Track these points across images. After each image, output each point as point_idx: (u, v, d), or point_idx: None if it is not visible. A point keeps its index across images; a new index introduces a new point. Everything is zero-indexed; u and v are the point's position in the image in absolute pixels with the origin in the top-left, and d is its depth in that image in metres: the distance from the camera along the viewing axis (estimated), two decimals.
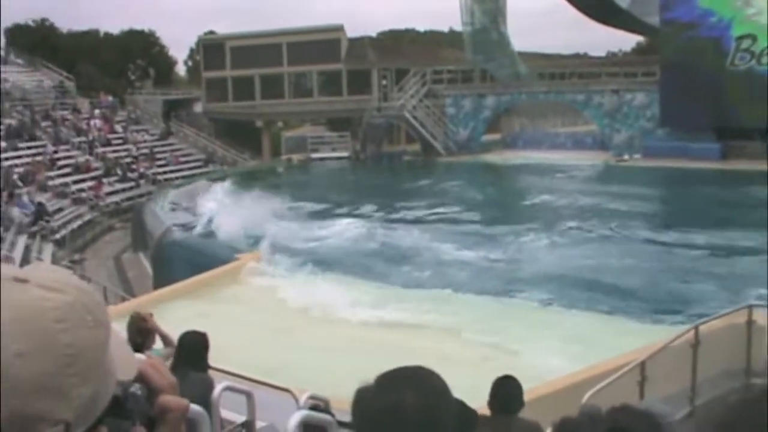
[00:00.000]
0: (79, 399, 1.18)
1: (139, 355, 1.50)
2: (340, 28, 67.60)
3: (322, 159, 61.32)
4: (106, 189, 47.91)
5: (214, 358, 7.69)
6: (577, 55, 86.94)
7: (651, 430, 3.42)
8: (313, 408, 7.37)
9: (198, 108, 73.59)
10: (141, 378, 1.39)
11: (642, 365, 12.01)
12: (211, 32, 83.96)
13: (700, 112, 49.22)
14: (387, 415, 2.08)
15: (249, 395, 7.74)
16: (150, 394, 1.39)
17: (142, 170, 53.06)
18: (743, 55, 49.25)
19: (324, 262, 26.19)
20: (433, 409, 2.09)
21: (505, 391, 6.36)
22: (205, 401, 6.29)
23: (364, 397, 2.15)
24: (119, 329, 1.53)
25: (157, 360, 1.48)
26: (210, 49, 72.94)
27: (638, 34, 71.31)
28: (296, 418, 5.74)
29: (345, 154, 62.45)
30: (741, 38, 49.23)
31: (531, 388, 11.26)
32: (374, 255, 27.69)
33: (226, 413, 7.73)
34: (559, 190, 42.71)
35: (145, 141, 58.89)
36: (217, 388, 6.95)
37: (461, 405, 3.92)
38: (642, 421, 3.65)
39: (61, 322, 1.18)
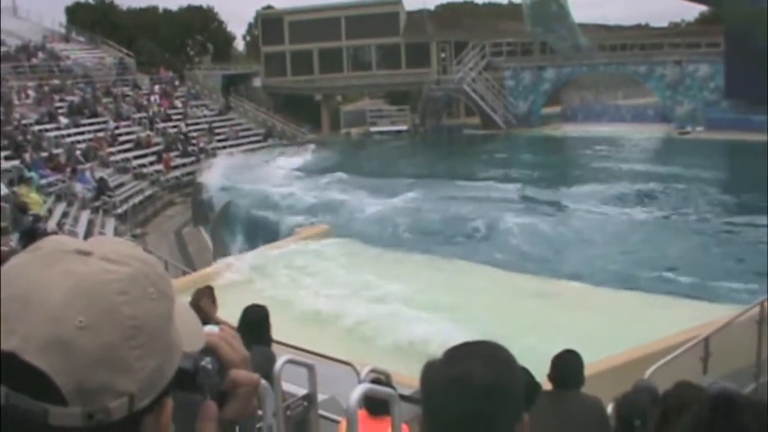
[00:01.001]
0: (142, 371, 1.18)
1: (212, 327, 1.50)
2: (398, 2, 67.37)
3: (381, 132, 61.29)
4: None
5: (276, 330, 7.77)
6: (638, 26, 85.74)
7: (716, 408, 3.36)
8: (375, 381, 7.37)
9: (257, 83, 73.87)
10: (212, 351, 1.39)
11: (706, 341, 11.87)
12: (269, 7, 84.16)
13: (765, 83, 48.28)
14: (455, 385, 2.09)
15: (310, 368, 7.76)
16: (221, 368, 1.38)
17: (201, 145, 53.39)
18: None
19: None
20: (500, 380, 2.10)
21: (567, 365, 6.31)
22: (268, 375, 6.32)
23: (432, 369, 2.17)
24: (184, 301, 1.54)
25: (230, 333, 1.47)
26: (268, 23, 73.14)
27: (702, 3, 70.13)
28: (358, 391, 5.72)
29: (404, 127, 62.43)
30: None
31: (591, 363, 11.20)
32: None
33: (288, 386, 7.78)
34: (620, 164, 42.34)
35: (204, 116, 59.24)
36: (279, 362, 6.99)
37: (527, 375, 3.91)
38: (703, 398, 3.58)
39: (123, 294, 1.18)
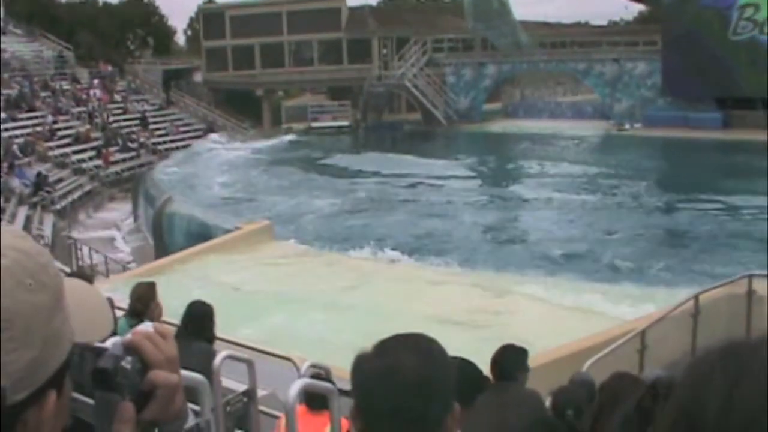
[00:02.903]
0: (14, 364, 1.15)
1: (146, 325, 1.49)
2: None
3: (322, 128, 61.20)
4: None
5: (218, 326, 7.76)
6: (578, 24, 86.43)
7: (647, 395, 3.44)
8: (314, 376, 7.38)
9: (198, 77, 73.44)
10: (135, 351, 1.38)
11: (642, 334, 12.06)
12: (211, 1, 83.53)
13: (701, 81, 49.16)
14: (385, 377, 2.12)
15: (250, 364, 7.76)
16: (143, 368, 1.37)
17: (142, 140, 52.96)
18: (745, 25, 49.14)
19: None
20: (430, 372, 2.13)
21: (507, 358, 6.38)
22: (207, 370, 6.32)
23: (363, 362, 2.20)
24: (99, 290, 1.46)
25: (163, 331, 1.46)
26: (210, 18, 72.70)
27: (640, 3, 70.94)
28: (297, 386, 5.74)
29: (345, 123, 62.36)
30: (743, 7, 49.13)
31: (530, 357, 11.31)
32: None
33: (227, 382, 7.77)
34: (559, 159, 42.78)
35: (145, 110, 58.71)
36: (218, 357, 6.98)
37: (466, 364, 3.95)
38: (639, 388, 3.67)
39: None
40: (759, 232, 24.10)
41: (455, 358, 3.86)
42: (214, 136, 57.56)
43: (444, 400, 2.16)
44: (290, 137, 58.44)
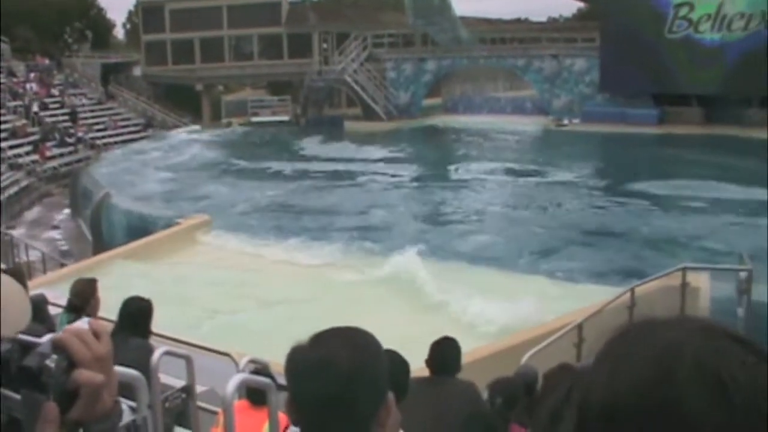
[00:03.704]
0: None
1: (83, 321, 1.47)
2: None
3: (262, 123, 61.01)
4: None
5: (156, 322, 7.71)
6: (518, 21, 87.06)
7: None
8: (254, 372, 7.38)
9: (137, 71, 72.80)
10: (62, 349, 1.37)
11: (579, 327, 12.23)
12: None
13: (638, 78, 49.88)
14: (318, 369, 2.15)
15: (188, 360, 7.71)
16: (70, 366, 1.36)
17: (80, 135, 52.36)
18: (681, 23, 49.98)
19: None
20: (362, 364, 2.16)
21: (443, 352, 6.44)
22: (145, 367, 6.29)
23: (296, 354, 2.22)
24: (11, 280, 1.41)
25: (97, 329, 1.45)
26: (149, 11, 72.04)
27: (579, 0, 71.60)
28: (234, 381, 5.75)
29: (285, 117, 62.27)
30: (679, 6, 50.01)
31: (470, 350, 11.42)
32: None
33: (166, 378, 7.72)
34: (498, 154, 43.15)
35: (79, 105, 58.04)
36: (156, 353, 6.93)
37: (394, 356, 3.99)
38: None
39: None
40: (691, 226, 24.59)
41: (388, 351, 3.93)
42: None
43: (377, 392, 2.20)
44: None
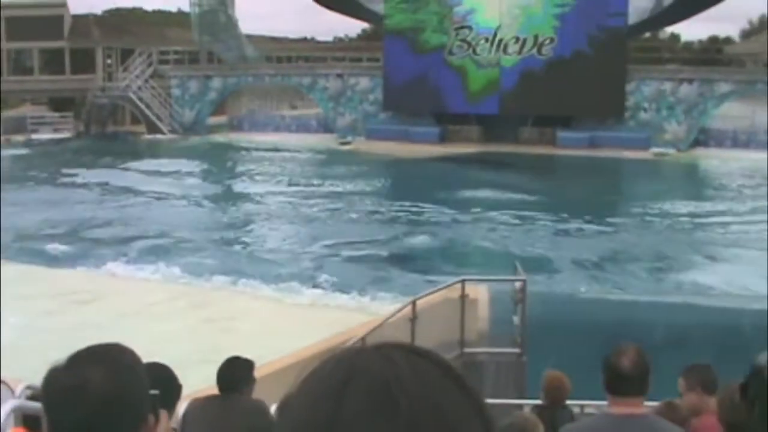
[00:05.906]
0: None
1: None
2: (63, 4, 65.05)
3: (42, 140, 59.22)
4: None
5: None
6: (304, 40, 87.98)
7: None
8: (31, 398, 7.27)
9: None
10: None
11: (363, 341, 12.65)
12: None
13: (420, 97, 51.63)
14: (73, 393, 2.09)
15: None
16: None
17: None
18: (461, 45, 52.04)
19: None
20: (119, 387, 2.12)
21: (231, 371, 6.66)
22: None
23: (53, 376, 2.16)
24: None
25: None
26: None
27: (363, 20, 72.78)
28: (8, 407, 5.77)
29: (67, 134, 60.66)
30: (458, 29, 52.06)
31: (258, 366, 11.62)
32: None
33: None
34: (281, 169, 43.78)
35: None
36: None
37: (161, 368, 4.13)
38: None
39: None
40: (475, 238, 25.77)
41: (155, 365, 3.95)
42: None
43: (135, 413, 2.17)
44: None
